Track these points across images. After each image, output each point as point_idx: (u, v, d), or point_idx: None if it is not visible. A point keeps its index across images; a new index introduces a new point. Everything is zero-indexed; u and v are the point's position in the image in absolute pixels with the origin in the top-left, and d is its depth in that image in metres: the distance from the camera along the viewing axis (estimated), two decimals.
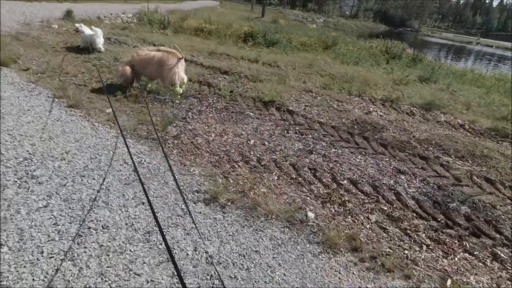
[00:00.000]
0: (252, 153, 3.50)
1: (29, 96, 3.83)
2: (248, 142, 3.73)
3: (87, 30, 6.57)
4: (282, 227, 2.34)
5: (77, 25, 6.63)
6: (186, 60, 7.05)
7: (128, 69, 4.51)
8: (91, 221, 2.06)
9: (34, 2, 11.60)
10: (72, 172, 2.52)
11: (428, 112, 5.70)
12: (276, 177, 3.10)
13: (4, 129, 2.91)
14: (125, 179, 2.57)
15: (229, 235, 2.17)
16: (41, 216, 2.03)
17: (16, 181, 2.30)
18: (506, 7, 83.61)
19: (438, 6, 72.25)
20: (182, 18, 12.94)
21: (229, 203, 2.49)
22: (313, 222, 2.46)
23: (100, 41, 6.69)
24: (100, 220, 2.08)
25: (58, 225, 1.99)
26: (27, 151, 2.68)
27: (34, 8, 10.30)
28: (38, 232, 1.92)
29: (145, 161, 2.91)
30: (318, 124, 4.50)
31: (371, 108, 5.45)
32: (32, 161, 2.56)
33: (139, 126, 3.71)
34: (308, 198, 2.86)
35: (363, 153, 3.87)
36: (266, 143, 3.77)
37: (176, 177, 2.74)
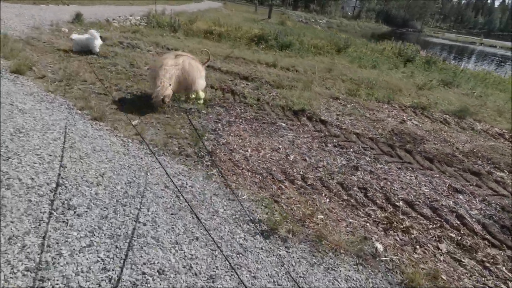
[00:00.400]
0: (294, 170, 3.22)
1: (50, 109, 3.55)
2: (288, 157, 3.45)
3: (80, 36, 6.39)
4: (354, 264, 2.07)
5: (72, 36, 6.38)
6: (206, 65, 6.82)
7: (169, 89, 4.02)
8: (144, 264, 1.78)
9: (41, 4, 11.32)
10: (112, 201, 2.24)
11: (462, 120, 5.42)
12: (327, 199, 2.82)
13: (31, 148, 2.63)
14: (170, 207, 2.29)
15: (300, 276, 1.89)
16: (87, 259, 1.75)
17: (53, 213, 2.02)
18: (508, 7, 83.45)
19: (440, 7, 72.06)
20: (191, 21, 12.67)
21: (290, 235, 2.21)
22: (385, 257, 2.18)
23: (97, 43, 6.41)
24: (154, 263, 1.79)
25: (108, 271, 1.71)
26: (59, 174, 2.40)
27: (43, 11, 10.02)
28: (86, 281, 1.63)
29: (186, 184, 2.63)
30: (355, 136, 4.22)
31: (404, 117, 5.17)
32: (66, 187, 2.28)
33: (169, 140, 3.43)
34: (368, 224, 2.59)
35: (410, 168, 3.59)
36: (306, 158, 3.49)
37: (224, 203, 2.46)
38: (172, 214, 2.23)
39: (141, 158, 2.92)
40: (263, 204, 2.52)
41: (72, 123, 3.31)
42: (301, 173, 3.19)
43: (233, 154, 3.32)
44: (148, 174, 2.67)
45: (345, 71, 7.73)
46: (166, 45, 8.01)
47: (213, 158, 3.17)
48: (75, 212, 2.07)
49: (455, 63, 15.58)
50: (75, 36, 6.36)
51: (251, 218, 2.32)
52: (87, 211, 2.10)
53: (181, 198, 2.39)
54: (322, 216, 2.51)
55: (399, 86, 6.85)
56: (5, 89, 3.78)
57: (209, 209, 2.36)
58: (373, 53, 11.93)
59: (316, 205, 2.68)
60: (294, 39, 11.16)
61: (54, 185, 2.27)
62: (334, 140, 4.00)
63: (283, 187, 2.89)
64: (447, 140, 4.48)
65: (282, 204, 2.58)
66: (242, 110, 4.51)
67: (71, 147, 2.84)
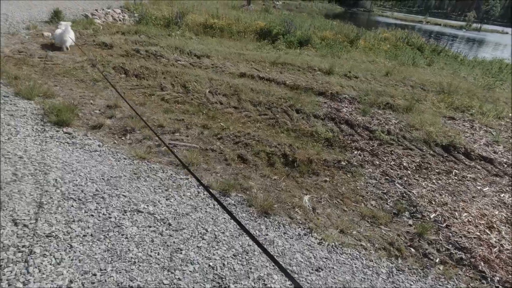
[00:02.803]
0: None
1: (165, 195, 2.25)
2: None
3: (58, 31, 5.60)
4: None
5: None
6: (260, 78, 5.54)
7: None
8: None
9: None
10: None
11: None
12: None
13: None
14: None
15: None
16: None
17: None
18: None
19: None
20: (182, 13, 10.84)
21: None
22: None
23: (71, 36, 5.62)
24: None
25: None
26: None
27: (8, 7, 7.58)
28: None
29: None
30: None
31: None
32: None
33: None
34: None
35: None
36: None
37: None
38: None
39: None
40: None
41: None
42: None
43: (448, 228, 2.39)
44: None
45: (406, 72, 6.97)
46: (192, 51, 6.49)
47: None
48: None
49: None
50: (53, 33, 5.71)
51: None
52: None
53: None
54: None
55: (467, 89, 6.31)
56: (85, 171, 2.35)
57: None
58: (383, 44, 11.41)
59: None
60: (308, 32, 10.12)
61: None
62: None
63: None
64: None
65: None
66: (391, 156, 3.46)
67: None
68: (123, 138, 3.06)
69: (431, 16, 67.79)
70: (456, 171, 3.30)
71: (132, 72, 4.98)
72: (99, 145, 2.83)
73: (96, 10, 9.45)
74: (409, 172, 3.19)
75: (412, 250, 2.25)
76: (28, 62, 4.65)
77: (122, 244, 1.81)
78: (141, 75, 4.93)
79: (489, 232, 2.48)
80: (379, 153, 3.48)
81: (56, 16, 7.07)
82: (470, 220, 2.60)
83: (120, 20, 9.28)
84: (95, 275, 1.60)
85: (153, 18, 9.40)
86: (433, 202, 2.78)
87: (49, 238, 1.74)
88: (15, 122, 2.91)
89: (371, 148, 3.55)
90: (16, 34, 5.84)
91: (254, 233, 2.09)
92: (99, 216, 1.98)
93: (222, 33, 10.09)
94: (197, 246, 1.90)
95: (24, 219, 1.82)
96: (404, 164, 3.30)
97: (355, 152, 3.47)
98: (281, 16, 15.52)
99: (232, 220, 2.10)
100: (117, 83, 4.58)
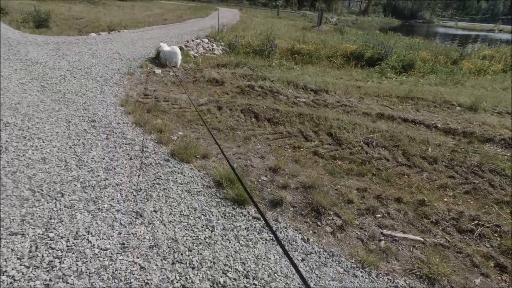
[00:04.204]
0: None
1: None
2: None
3: (166, 47, 6.65)
4: None
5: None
6: (403, 120, 4.69)
7: None
8: None
9: (83, 35, 9.12)
10: None
11: None
12: None
13: None
14: None
15: None
16: None
17: None
18: None
19: None
20: (265, 39, 10.49)
21: None
22: None
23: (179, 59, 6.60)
24: None
25: None
26: None
27: (115, 45, 7.82)
28: None
29: None
30: None
31: None
32: None
33: None
34: None
35: None
36: None
37: None
38: None
39: None
40: None
41: None
42: None
43: None
44: None
45: None
46: (306, 85, 5.89)
47: None
48: None
49: None
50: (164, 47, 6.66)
51: None
52: None
53: None
54: None
55: None
56: None
57: None
58: (489, 63, 9.90)
59: None
60: (409, 55, 9.10)
61: None
62: None
63: None
64: None
65: None
66: None
67: None
68: (318, 223, 2.41)
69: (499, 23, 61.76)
70: None
71: (263, 115, 4.46)
72: (303, 240, 2.20)
73: (187, 41, 9.48)
74: None
75: None
76: (158, 108, 4.36)
77: None
78: (273, 119, 4.39)
79: None
80: None
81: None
82: None
83: (210, 50, 9.16)
84: None
85: (243, 47, 9.14)
86: None
87: None
88: (199, 204, 2.42)
89: None
90: (133, 74, 5.75)
91: None
92: None
93: (310, 58, 9.52)
94: None
95: None
96: None
97: None
98: (358, 36, 14.65)
99: None
100: (252, 130, 4.07)
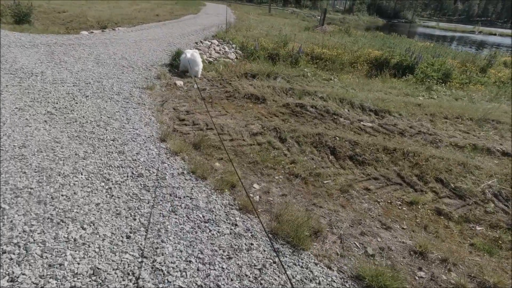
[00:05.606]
0: None
1: None
2: None
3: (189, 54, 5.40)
4: None
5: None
6: (503, 154, 3.84)
7: None
8: None
9: (85, 32, 7.71)
10: None
11: None
12: None
13: None
14: None
15: None
16: None
17: None
18: None
19: None
20: (280, 42, 9.47)
21: None
22: None
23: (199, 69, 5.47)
24: None
25: None
26: None
27: (120, 48, 6.49)
28: None
29: None
30: None
31: None
32: None
33: None
34: None
35: None
36: None
37: None
38: None
39: None
40: None
41: None
42: None
43: None
44: None
45: None
46: (362, 104, 4.96)
47: None
48: None
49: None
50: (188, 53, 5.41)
51: None
52: None
53: None
54: None
55: None
56: None
57: None
58: None
59: None
60: (445, 64, 8.38)
61: None
62: None
63: None
64: None
65: None
66: None
67: None
68: None
69: (475, 24, 63.92)
70: None
71: (341, 150, 3.48)
72: None
73: (196, 43, 8.28)
74: None
75: None
76: (206, 141, 3.27)
77: None
78: (355, 156, 3.43)
79: None
80: None
81: (178, 58, 5.83)
82: None
83: (223, 54, 8.02)
84: None
85: (262, 51, 8.08)
86: None
87: None
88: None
89: None
90: (153, 88, 4.59)
91: None
92: None
93: (333, 64, 8.62)
94: None
95: None
96: None
97: None
98: (368, 38, 13.92)
99: None
100: (339, 175, 3.09)
